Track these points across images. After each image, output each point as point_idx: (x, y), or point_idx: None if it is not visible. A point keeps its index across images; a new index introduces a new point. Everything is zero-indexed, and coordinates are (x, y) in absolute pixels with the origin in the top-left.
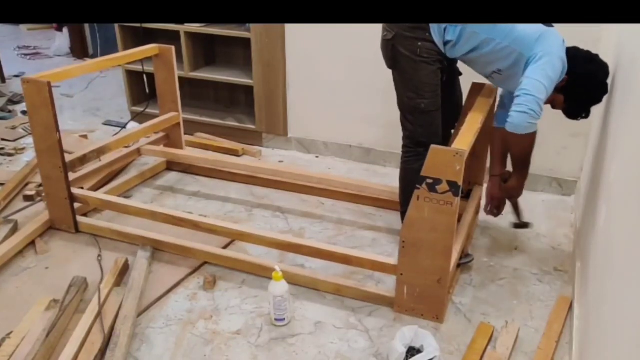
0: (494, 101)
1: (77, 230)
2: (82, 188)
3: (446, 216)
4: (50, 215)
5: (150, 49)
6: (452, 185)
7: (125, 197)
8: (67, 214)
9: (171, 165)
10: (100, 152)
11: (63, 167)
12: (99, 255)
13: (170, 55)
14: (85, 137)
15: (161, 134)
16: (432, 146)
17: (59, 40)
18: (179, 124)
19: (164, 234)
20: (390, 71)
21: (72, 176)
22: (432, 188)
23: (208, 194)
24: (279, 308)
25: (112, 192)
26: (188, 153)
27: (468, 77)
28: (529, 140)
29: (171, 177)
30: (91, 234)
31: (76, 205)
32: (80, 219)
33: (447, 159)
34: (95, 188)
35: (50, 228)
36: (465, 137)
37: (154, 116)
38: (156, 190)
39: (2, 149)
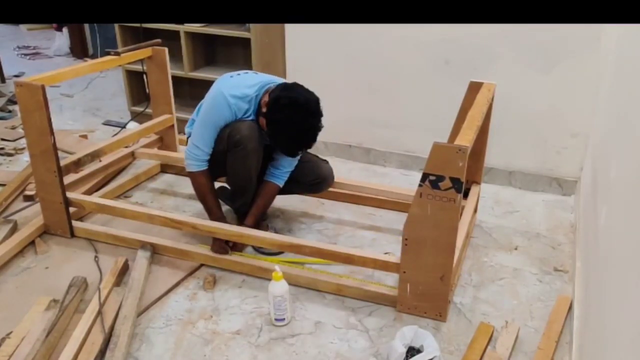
0: (492, 98)
1: (73, 235)
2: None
3: (449, 213)
4: (45, 220)
5: (142, 51)
6: (455, 181)
7: (126, 197)
8: (62, 219)
9: (165, 168)
10: (94, 155)
11: (58, 172)
12: (96, 256)
13: (163, 57)
14: (85, 137)
15: (154, 137)
16: (435, 143)
17: (59, 40)
18: (172, 126)
19: (162, 236)
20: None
21: (66, 180)
22: (434, 185)
23: None
24: (278, 308)
25: (107, 195)
26: (182, 155)
27: (467, 76)
28: (194, 181)
29: (166, 180)
30: (87, 239)
31: (71, 209)
32: (75, 223)
33: (450, 156)
34: (90, 192)
35: (44, 233)
36: (467, 134)
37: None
38: (152, 192)
39: (2, 149)
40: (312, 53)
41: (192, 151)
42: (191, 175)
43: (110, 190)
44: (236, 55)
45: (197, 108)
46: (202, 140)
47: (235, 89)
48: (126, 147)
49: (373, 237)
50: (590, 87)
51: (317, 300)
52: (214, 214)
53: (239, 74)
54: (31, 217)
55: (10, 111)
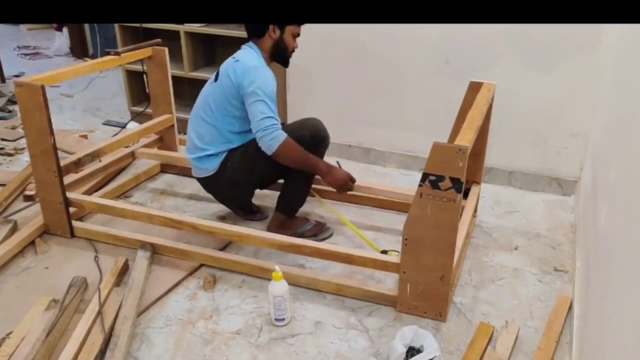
0: (492, 98)
1: (73, 235)
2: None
3: (449, 213)
4: (45, 220)
5: (142, 51)
6: (455, 181)
7: (126, 197)
8: (62, 219)
9: (165, 168)
10: (94, 155)
11: (58, 172)
12: (96, 256)
13: (163, 57)
14: (85, 137)
15: (154, 137)
16: (435, 143)
17: (59, 40)
18: (172, 126)
19: (162, 236)
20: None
21: (66, 180)
22: (434, 185)
23: (207, 196)
24: (278, 308)
25: (107, 195)
26: (182, 155)
27: (467, 76)
28: (290, 151)
29: (166, 180)
30: (87, 239)
31: (71, 209)
32: (75, 223)
33: (450, 156)
34: (90, 192)
35: (44, 233)
36: (467, 134)
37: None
38: (152, 192)
39: (2, 149)
40: (311, 53)
41: (273, 123)
42: (284, 145)
43: (110, 190)
44: None
45: (204, 104)
46: (274, 112)
47: (260, 66)
48: (126, 147)
49: (373, 237)
50: (590, 87)
51: (317, 300)
52: (321, 162)
53: (236, 60)
54: (31, 217)
55: (10, 111)
